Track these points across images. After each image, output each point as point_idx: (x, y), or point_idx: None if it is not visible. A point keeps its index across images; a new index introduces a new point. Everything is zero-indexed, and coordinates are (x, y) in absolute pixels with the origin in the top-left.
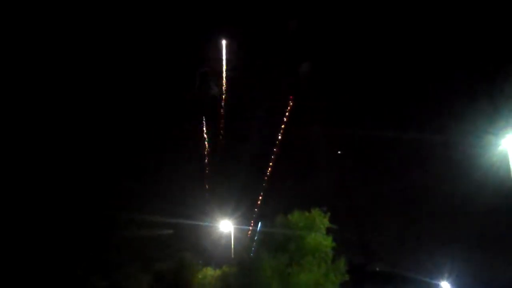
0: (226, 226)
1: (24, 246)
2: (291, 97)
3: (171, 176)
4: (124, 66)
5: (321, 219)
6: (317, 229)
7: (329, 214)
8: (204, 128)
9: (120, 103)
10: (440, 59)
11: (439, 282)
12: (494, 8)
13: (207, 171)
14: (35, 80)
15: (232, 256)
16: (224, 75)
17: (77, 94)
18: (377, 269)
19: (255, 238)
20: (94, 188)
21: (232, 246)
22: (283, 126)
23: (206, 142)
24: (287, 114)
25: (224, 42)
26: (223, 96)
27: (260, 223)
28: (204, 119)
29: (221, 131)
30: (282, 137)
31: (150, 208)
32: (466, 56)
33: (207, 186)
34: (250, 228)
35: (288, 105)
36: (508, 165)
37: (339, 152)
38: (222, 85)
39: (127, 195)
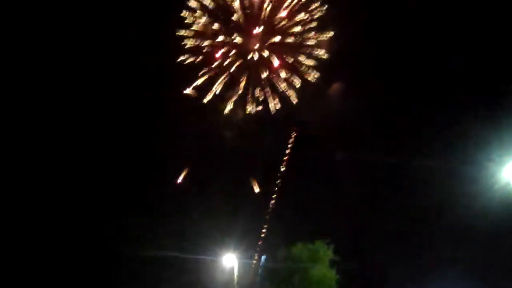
0: (229, 260)
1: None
2: (294, 128)
3: (175, 211)
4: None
5: (325, 251)
6: (320, 261)
7: (332, 246)
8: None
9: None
10: (441, 87)
11: None
12: (494, 37)
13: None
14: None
15: None
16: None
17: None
18: None
19: (259, 271)
20: (98, 223)
21: (235, 280)
22: (285, 158)
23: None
24: (290, 145)
25: None
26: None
27: (263, 256)
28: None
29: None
30: (285, 167)
31: (152, 242)
32: (467, 85)
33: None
34: (254, 261)
35: (291, 135)
36: (510, 193)
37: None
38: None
39: (127, 229)
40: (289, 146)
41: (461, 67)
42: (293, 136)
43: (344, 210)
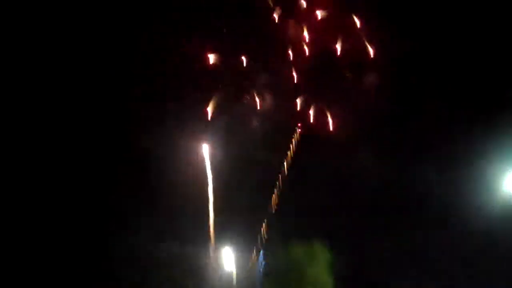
0: (227, 255)
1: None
2: (299, 124)
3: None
4: None
5: (323, 254)
6: (318, 263)
7: (331, 249)
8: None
9: None
10: (444, 99)
11: None
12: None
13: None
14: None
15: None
16: None
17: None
18: None
19: (259, 269)
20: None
21: (234, 276)
22: (291, 156)
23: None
24: (296, 141)
25: None
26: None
27: (262, 253)
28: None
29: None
30: (289, 166)
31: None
32: (469, 95)
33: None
34: (253, 257)
35: (297, 131)
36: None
37: None
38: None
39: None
40: (292, 143)
41: (464, 75)
42: (298, 133)
43: (346, 214)
